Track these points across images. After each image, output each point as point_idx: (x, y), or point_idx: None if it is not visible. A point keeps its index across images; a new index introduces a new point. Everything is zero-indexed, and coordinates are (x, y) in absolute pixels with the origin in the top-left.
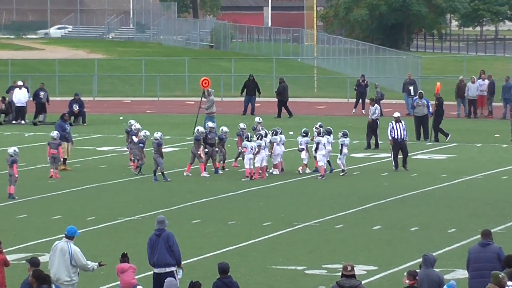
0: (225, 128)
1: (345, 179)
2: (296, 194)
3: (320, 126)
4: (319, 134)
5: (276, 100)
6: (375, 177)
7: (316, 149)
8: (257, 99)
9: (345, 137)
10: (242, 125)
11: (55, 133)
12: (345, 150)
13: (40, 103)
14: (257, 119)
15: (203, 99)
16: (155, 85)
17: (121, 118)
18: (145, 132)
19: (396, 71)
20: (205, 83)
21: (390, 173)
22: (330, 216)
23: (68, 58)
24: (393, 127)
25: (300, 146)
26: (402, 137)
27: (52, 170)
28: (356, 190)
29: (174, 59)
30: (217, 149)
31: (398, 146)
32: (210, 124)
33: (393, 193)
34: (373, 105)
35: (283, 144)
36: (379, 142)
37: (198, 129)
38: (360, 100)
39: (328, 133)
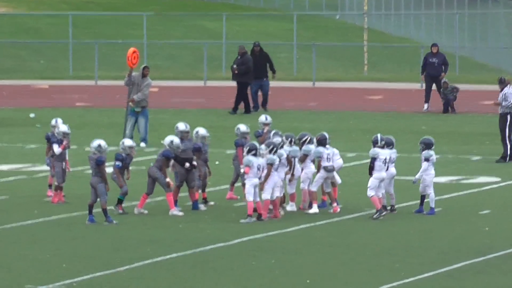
0: (202, 131)
1: (417, 221)
2: (331, 246)
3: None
4: (375, 143)
5: (233, 82)
6: (468, 218)
7: (372, 168)
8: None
9: (429, 149)
10: (243, 128)
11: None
12: (432, 170)
13: None
14: (262, 118)
15: (130, 84)
16: (91, 59)
17: (32, 115)
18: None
19: (504, 36)
20: (135, 58)
21: (495, 211)
22: (390, 284)
23: None
24: None
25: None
26: None
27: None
28: (435, 239)
29: (123, 15)
30: (194, 163)
31: None
32: (181, 126)
33: (499, 245)
34: (501, 88)
35: (312, 161)
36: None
37: (172, 141)
38: (434, 86)
39: (388, 144)
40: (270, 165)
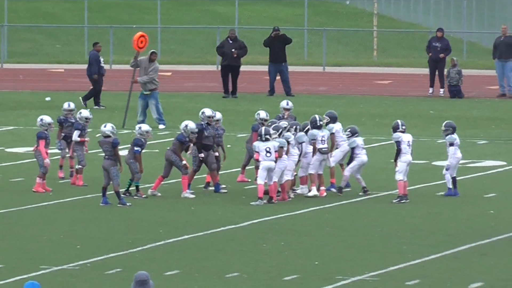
0: (215, 113)
1: (425, 205)
2: (340, 229)
3: (331, 116)
4: (396, 129)
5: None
6: (474, 201)
7: (399, 152)
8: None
9: (454, 132)
10: (262, 114)
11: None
12: (458, 153)
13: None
14: (283, 103)
15: (136, 67)
16: (106, 44)
17: (48, 99)
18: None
19: (511, 21)
20: (142, 42)
21: (500, 194)
22: (397, 266)
23: None
24: None
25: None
26: None
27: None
28: (442, 222)
29: (138, 0)
30: (216, 153)
31: None
32: (208, 111)
33: (503, 227)
34: None
35: (322, 143)
36: None
37: (187, 125)
38: (437, 72)
39: (353, 133)
40: (281, 148)
